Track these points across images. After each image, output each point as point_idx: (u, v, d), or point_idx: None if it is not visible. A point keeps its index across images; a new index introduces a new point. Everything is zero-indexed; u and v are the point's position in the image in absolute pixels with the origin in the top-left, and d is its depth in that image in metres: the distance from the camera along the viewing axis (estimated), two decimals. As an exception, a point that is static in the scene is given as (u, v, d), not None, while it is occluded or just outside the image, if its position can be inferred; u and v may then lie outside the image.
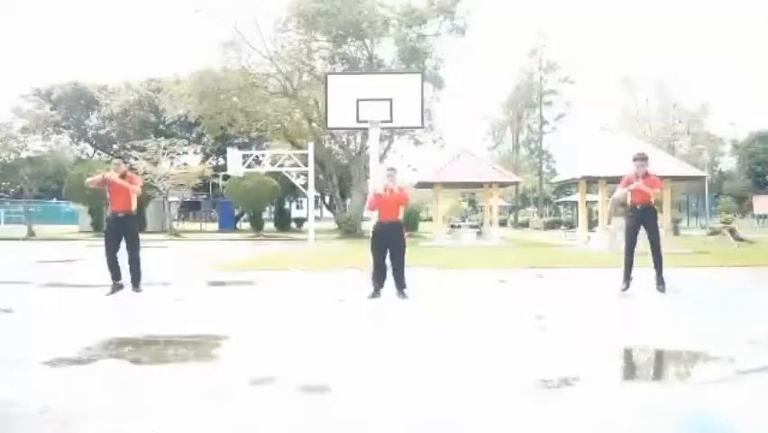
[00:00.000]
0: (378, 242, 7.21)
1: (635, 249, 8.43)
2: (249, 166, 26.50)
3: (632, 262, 8.29)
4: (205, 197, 52.46)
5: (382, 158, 29.64)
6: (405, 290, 7.04)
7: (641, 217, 8.36)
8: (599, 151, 23.46)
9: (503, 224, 44.58)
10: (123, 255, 9.22)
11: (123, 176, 8.78)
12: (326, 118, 17.23)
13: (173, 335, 6.65)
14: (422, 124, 18.40)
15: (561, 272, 13.23)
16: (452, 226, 28.95)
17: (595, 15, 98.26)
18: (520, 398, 4.42)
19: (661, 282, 8.31)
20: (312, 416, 4.04)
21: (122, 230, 8.74)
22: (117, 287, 8.83)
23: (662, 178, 20.34)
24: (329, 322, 7.48)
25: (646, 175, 8.37)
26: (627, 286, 8.32)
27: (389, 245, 7.19)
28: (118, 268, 8.86)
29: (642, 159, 8.45)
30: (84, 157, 47.54)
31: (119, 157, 9.24)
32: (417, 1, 31.68)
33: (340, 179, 34.98)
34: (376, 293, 7.15)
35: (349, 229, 31.49)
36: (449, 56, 33.66)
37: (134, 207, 8.86)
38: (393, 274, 7.17)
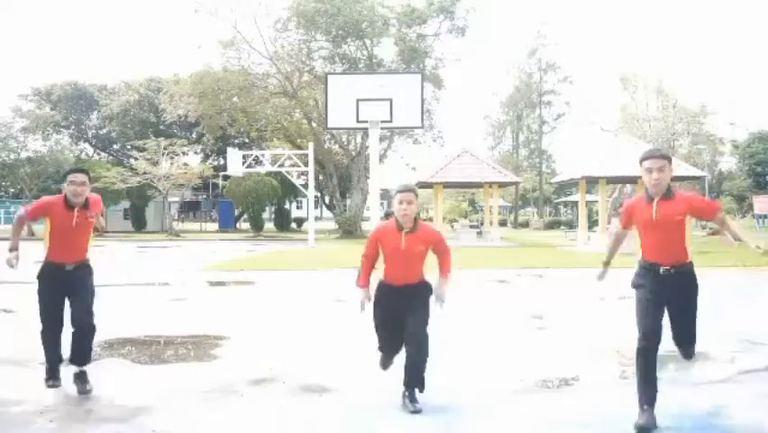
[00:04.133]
0: (382, 312, 4.32)
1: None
2: (249, 166, 26.51)
3: (653, 367, 3.94)
4: (205, 197, 52.47)
5: (382, 158, 29.66)
6: (418, 393, 4.13)
7: (664, 291, 3.89)
8: (599, 151, 23.47)
9: (503, 224, 44.59)
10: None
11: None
12: (326, 118, 17.25)
13: (173, 335, 6.66)
14: (422, 124, 18.43)
15: (561, 272, 13.24)
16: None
17: (595, 15, 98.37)
18: (520, 397, 4.42)
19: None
20: (312, 416, 4.03)
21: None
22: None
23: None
24: (329, 322, 7.49)
25: (670, 196, 3.90)
26: (648, 423, 3.74)
27: (403, 314, 4.17)
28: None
29: (658, 157, 3.99)
30: (84, 157, 47.51)
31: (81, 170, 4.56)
32: (417, 1, 31.68)
33: (340, 179, 34.97)
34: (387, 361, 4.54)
35: (349, 229, 31.49)
36: (449, 56, 33.68)
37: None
38: (406, 359, 4.15)
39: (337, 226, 34.13)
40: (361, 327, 7.18)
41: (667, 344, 5.84)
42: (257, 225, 35.82)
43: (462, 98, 72.86)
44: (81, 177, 4.50)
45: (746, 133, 54.43)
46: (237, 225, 40.91)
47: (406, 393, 4.12)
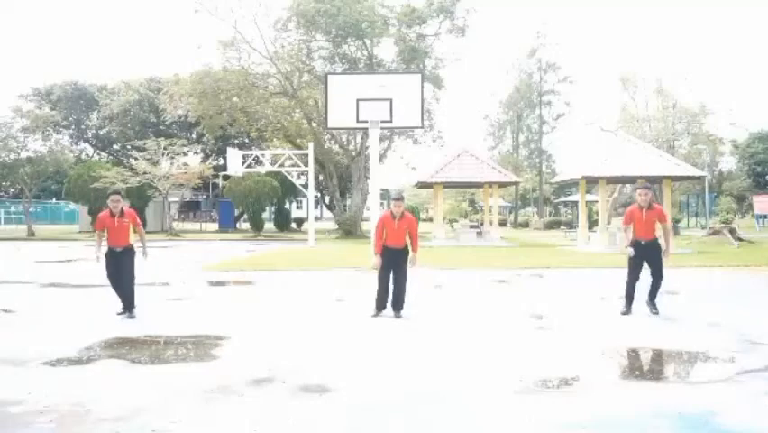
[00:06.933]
0: (383, 265, 7.58)
1: (638, 282, 7.79)
2: (249, 166, 26.49)
3: (633, 293, 7.74)
4: (205, 197, 52.47)
5: (382, 158, 29.66)
6: (401, 312, 7.61)
7: (645, 254, 7.72)
8: (599, 151, 23.44)
9: (503, 224, 44.57)
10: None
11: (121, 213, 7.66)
12: (326, 118, 17.22)
13: (173, 335, 6.66)
14: (422, 124, 18.39)
15: (561, 272, 13.24)
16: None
17: (595, 15, 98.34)
18: (520, 397, 4.42)
19: (654, 307, 7.72)
20: (312, 416, 4.04)
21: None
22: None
23: (663, 178, 20.56)
24: (329, 322, 7.49)
25: (651, 208, 7.70)
26: (629, 311, 7.71)
27: (394, 269, 7.59)
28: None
29: (644, 188, 7.78)
30: (84, 157, 47.48)
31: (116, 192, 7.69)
32: (417, 1, 31.67)
33: (340, 179, 34.95)
34: (378, 314, 7.69)
35: (349, 229, 31.48)
36: (449, 56, 33.59)
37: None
38: (393, 294, 7.65)
39: (337, 226, 34.10)
40: (361, 327, 7.20)
41: (669, 342, 5.85)
42: (257, 225, 35.81)
43: (462, 98, 72.99)
44: (116, 197, 7.60)
45: (746, 133, 54.46)
46: (237, 225, 40.90)
47: (393, 311, 7.64)
